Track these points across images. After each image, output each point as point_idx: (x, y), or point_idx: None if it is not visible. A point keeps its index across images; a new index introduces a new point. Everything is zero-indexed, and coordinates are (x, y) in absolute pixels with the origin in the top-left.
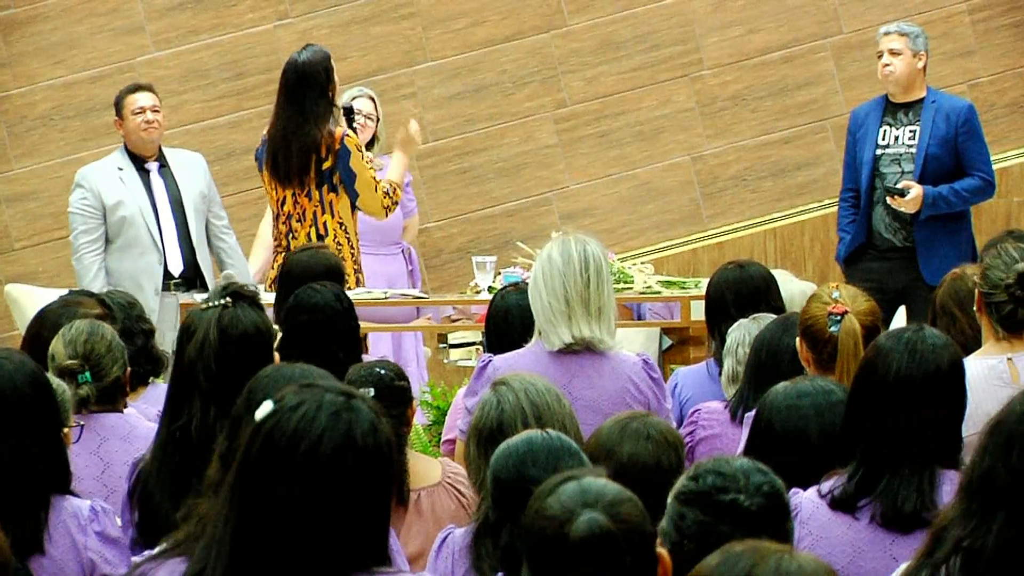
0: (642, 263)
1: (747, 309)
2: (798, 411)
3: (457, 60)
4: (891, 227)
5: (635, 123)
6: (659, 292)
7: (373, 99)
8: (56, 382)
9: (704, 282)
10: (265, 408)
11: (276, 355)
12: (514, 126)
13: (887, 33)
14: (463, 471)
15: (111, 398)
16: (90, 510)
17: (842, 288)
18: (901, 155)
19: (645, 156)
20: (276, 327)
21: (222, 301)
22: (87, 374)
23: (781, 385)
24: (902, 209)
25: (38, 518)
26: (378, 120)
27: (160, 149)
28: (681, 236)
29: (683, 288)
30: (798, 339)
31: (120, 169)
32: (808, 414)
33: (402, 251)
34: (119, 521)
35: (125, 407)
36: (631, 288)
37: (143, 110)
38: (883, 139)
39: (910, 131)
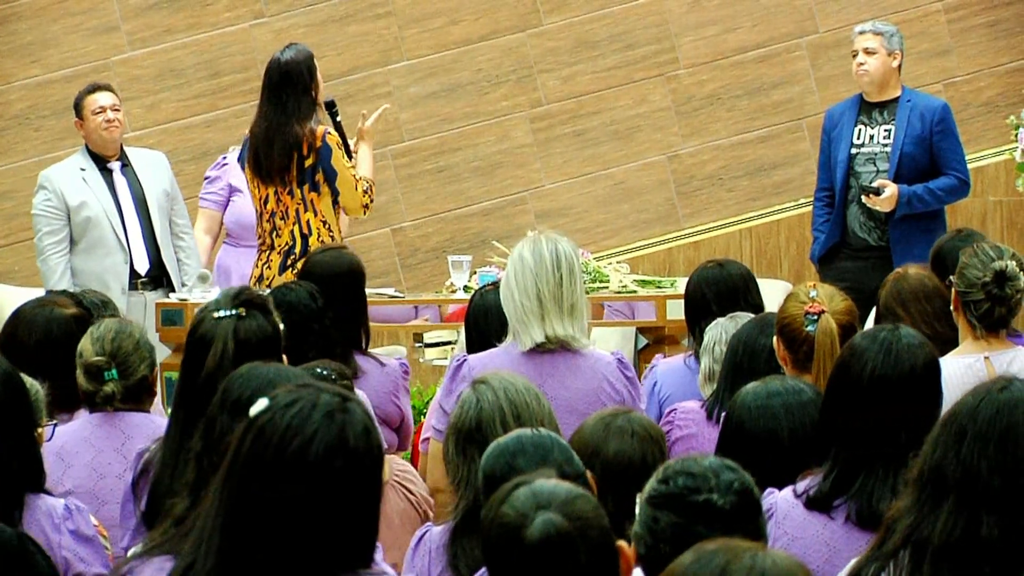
0: (618, 262)
1: (727, 307)
2: (768, 411)
3: (433, 59)
4: (866, 226)
5: (611, 122)
6: (635, 291)
7: None
8: (29, 382)
9: (680, 281)
10: (260, 405)
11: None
12: (490, 125)
13: (862, 32)
14: (411, 468)
15: (137, 397)
16: (64, 509)
17: (819, 287)
18: (876, 154)
19: (621, 155)
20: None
21: (235, 311)
22: (114, 371)
23: (751, 385)
24: (877, 208)
25: (12, 517)
26: None
27: (122, 148)
28: (657, 235)
29: (659, 287)
30: (775, 338)
31: (83, 170)
32: (779, 414)
33: None
34: (94, 519)
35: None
36: (607, 287)
37: (103, 109)
38: (858, 138)
39: (885, 130)
